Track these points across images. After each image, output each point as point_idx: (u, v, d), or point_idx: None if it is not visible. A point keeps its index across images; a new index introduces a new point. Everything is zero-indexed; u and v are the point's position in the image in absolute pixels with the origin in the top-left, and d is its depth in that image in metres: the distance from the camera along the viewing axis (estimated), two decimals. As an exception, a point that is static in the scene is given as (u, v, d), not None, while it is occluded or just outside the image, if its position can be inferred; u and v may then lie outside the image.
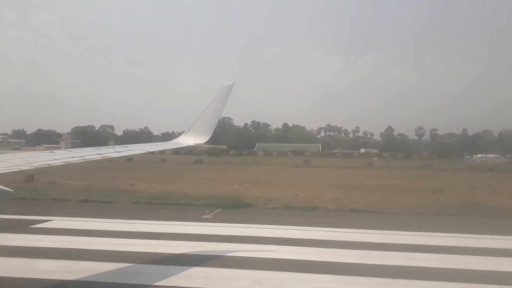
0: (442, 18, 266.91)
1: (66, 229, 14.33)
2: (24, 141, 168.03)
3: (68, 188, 27.28)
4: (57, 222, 15.64)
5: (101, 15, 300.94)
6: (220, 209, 19.32)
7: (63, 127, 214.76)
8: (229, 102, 10.17)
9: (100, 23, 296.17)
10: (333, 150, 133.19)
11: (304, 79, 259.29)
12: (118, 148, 9.47)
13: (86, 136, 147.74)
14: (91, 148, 9.03)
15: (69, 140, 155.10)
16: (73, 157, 7.90)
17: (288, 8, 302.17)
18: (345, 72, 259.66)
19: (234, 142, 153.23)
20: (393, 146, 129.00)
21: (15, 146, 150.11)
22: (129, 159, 74.60)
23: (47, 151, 9.06)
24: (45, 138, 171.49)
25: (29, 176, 31.54)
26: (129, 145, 10.05)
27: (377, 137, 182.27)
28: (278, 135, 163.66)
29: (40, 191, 24.39)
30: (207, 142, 10.06)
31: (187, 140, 10.10)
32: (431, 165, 68.92)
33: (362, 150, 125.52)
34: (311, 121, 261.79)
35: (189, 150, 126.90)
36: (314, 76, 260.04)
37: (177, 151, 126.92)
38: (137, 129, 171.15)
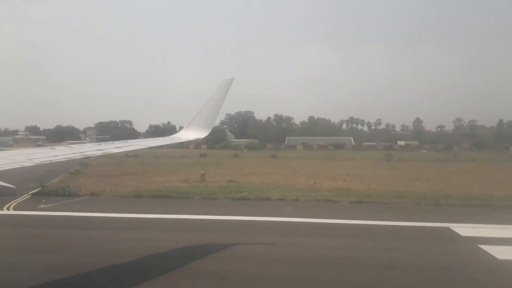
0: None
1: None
2: (44, 137, 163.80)
3: (272, 187, 25.25)
4: (460, 229, 13.72)
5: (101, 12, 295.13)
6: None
7: (74, 122, 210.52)
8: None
9: (100, 19, 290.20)
10: (368, 143, 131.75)
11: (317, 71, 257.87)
12: (118, 143, 9.32)
13: (116, 132, 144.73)
14: (91, 144, 8.97)
15: (94, 136, 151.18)
16: (73, 153, 7.86)
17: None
18: (344, 64, 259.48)
19: (263, 136, 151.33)
20: (430, 139, 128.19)
21: (37, 143, 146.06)
22: (203, 154, 72.51)
23: (48, 147, 8.84)
24: (64, 134, 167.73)
25: (202, 175, 29.68)
26: (129, 141, 10.07)
27: (397, 129, 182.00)
28: (304, 128, 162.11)
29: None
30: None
31: (187, 135, 10.00)
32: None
33: (402, 143, 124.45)
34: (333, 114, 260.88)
35: (225, 145, 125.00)
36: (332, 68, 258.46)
37: (212, 146, 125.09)
38: (160, 124, 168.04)
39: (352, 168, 44.53)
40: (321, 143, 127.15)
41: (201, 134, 9.91)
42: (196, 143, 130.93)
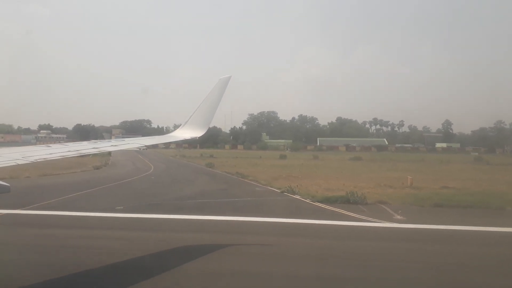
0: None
1: None
2: (65, 136, 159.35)
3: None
4: None
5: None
6: None
7: (91, 121, 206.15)
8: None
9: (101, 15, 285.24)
10: (405, 145, 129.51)
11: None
12: (114, 142, 9.31)
13: (148, 130, 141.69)
14: (87, 142, 9.08)
15: (119, 135, 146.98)
16: (69, 151, 7.80)
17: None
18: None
19: (293, 137, 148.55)
20: (470, 141, 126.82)
21: (60, 142, 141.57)
22: (282, 156, 69.08)
23: (44, 145, 8.67)
24: (85, 133, 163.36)
25: (411, 180, 26.57)
26: (126, 139, 10.08)
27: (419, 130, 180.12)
28: (333, 129, 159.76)
29: None
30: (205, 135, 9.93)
31: (183, 134, 9.89)
32: None
33: (444, 145, 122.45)
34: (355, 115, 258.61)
35: (262, 146, 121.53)
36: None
37: (249, 146, 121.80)
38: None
39: (478, 172, 41.66)
40: (354, 145, 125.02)
41: (197, 133, 9.79)
42: (232, 143, 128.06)
